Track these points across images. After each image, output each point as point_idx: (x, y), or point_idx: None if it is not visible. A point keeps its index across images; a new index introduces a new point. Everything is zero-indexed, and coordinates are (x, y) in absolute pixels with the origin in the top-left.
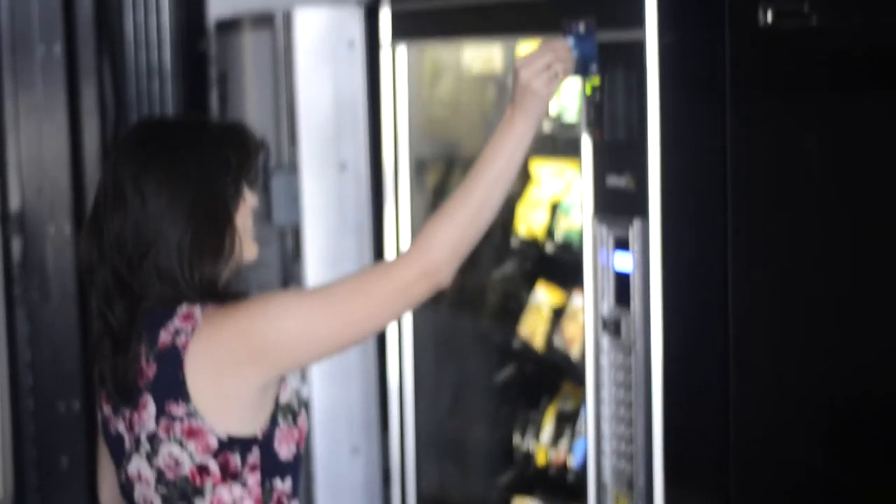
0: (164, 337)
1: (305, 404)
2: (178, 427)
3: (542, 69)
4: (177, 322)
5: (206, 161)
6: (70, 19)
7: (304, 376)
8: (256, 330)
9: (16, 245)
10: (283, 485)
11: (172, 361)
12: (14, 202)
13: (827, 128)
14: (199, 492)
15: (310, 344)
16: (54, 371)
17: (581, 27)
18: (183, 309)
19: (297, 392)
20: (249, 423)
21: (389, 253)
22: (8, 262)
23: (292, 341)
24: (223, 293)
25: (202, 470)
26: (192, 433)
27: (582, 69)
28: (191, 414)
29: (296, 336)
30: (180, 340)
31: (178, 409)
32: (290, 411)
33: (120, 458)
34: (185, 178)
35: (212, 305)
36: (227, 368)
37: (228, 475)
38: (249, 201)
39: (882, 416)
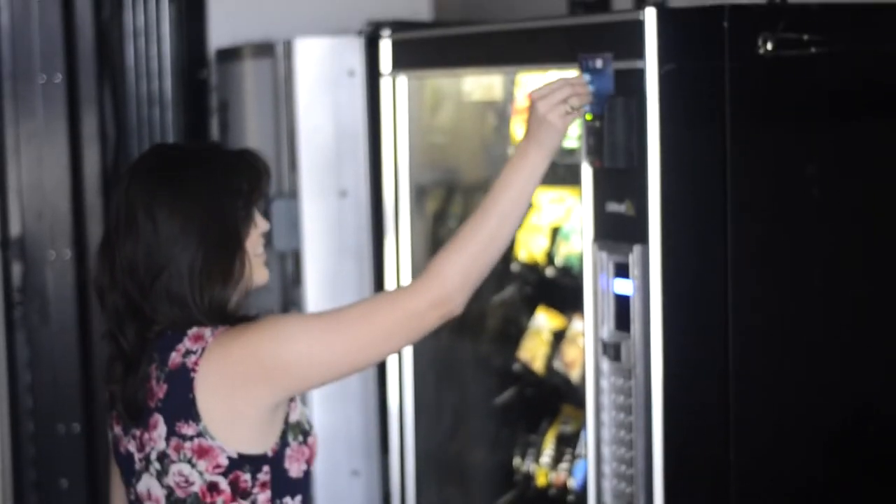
0: (175, 358)
1: (312, 425)
2: (188, 446)
3: (559, 103)
4: (187, 343)
5: (218, 187)
6: (71, 48)
7: (303, 399)
8: (266, 350)
9: (16, 269)
10: (293, 502)
11: (182, 381)
12: (15, 227)
13: (826, 155)
14: None
15: (318, 367)
16: (54, 394)
17: (598, 62)
18: (193, 330)
19: (305, 413)
20: (259, 442)
21: (389, 278)
22: (8, 287)
23: (301, 363)
24: (232, 316)
25: (212, 488)
26: (202, 452)
27: (598, 105)
28: (201, 433)
29: (305, 358)
30: (190, 361)
31: (188, 429)
32: (300, 430)
33: (129, 476)
34: (197, 204)
35: (222, 327)
36: (237, 388)
37: (238, 493)
38: (260, 226)
39: (881, 435)
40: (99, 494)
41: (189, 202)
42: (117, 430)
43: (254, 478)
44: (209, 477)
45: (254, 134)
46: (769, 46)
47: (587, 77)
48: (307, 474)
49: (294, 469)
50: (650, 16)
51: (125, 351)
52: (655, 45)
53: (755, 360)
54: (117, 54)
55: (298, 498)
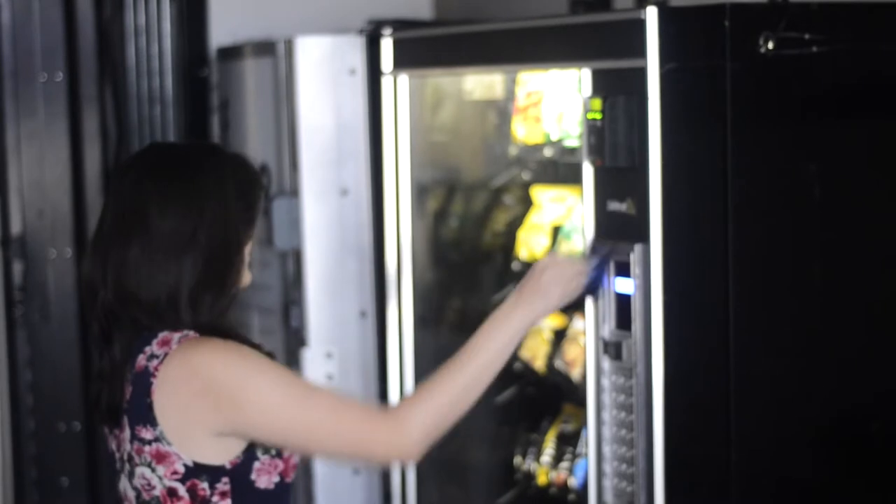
0: (141, 360)
1: None
2: (147, 450)
3: (567, 280)
4: (154, 346)
5: (224, 191)
6: (72, 47)
7: None
8: (225, 379)
9: (17, 268)
10: None
11: (143, 385)
12: (15, 226)
13: (827, 154)
14: None
15: (268, 422)
16: (55, 392)
17: (605, 252)
18: (163, 334)
19: None
20: (216, 454)
21: (391, 277)
22: (9, 285)
23: (253, 409)
24: (221, 327)
25: (172, 493)
26: (160, 457)
27: (591, 289)
28: (158, 438)
29: (258, 405)
30: (152, 365)
31: (146, 433)
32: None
33: (113, 476)
34: (203, 208)
35: (191, 333)
36: (191, 399)
37: (198, 500)
38: (252, 233)
39: (883, 433)
40: (99, 493)
41: (194, 206)
42: (105, 429)
43: (212, 486)
44: (168, 482)
45: (255, 132)
46: (770, 45)
47: (594, 262)
48: (282, 485)
49: (263, 481)
50: (651, 15)
51: (113, 350)
52: (657, 43)
53: (756, 359)
54: (118, 53)
55: None
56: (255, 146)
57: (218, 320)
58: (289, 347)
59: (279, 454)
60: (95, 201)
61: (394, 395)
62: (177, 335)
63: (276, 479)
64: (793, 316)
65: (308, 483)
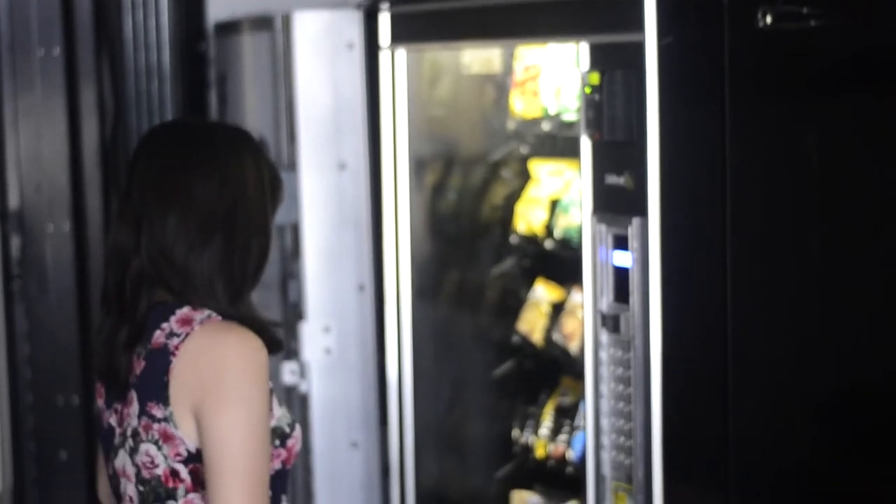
0: (159, 337)
1: (296, 421)
2: (156, 428)
3: None
4: (173, 324)
5: (258, 174)
6: (69, 21)
7: (301, 372)
8: (224, 382)
9: (15, 242)
10: None
11: (161, 362)
12: (13, 200)
13: (825, 127)
14: (172, 495)
15: (212, 441)
16: (53, 366)
17: None
18: (183, 311)
19: (287, 413)
20: None
21: (389, 250)
22: (7, 259)
23: (215, 423)
24: (240, 311)
25: (174, 474)
26: (166, 437)
27: None
28: (167, 419)
29: (220, 424)
30: (172, 343)
31: (157, 411)
32: (276, 436)
33: (109, 451)
34: (241, 188)
35: (215, 316)
36: (200, 387)
37: (199, 484)
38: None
39: (881, 408)
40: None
41: (233, 185)
42: (100, 402)
43: None
44: (172, 463)
45: (252, 107)
46: (768, 19)
47: None
48: (283, 472)
49: None
50: None
51: (136, 318)
52: (654, 17)
53: (754, 331)
54: (115, 27)
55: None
56: (253, 121)
57: (241, 302)
58: (287, 321)
59: (283, 444)
60: (93, 175)
61: (391, 365)
62: (198, 315)
63: (278, 466)
64: (790, 288)
65: (306, 457)
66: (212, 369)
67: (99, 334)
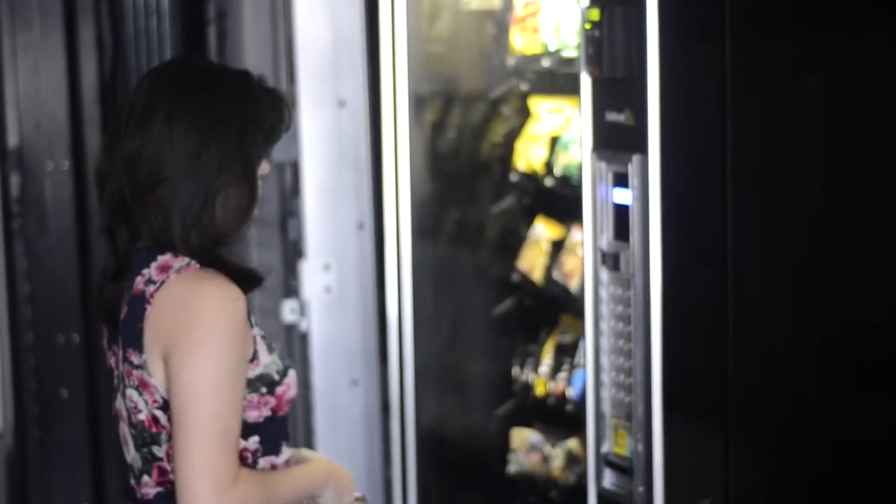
0: (139, 283)
1: (289, 367)
2: (135, 374)
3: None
4: (153, 271)
5: (247, 114)
6: None
7: (303, 310)
8: (194, 330)
9: (14, 180)
10: (245, 443)
11: (138, 309)
12: (12, 138)
13: (826, 66)
14: (156, 440)
15: (178, 388)
16: (53, 304)
17: None
18: (164, 257)
19: (278, 360)
20: None
21: (388, 189)
22: (6, 198)
23: (182, 370)
24: (217, 257)
25: (155, 420)
26: (143, 384)
27: None
28: (142, 366)
29: (188, 372)
30: (149, 291)
31: (134, 358)
32: (264, 382)
33: (110, 391)
34: (223, 124)
35: (193, 265)
36: (170, 335)
37: None
38: (264, 168)
39: (878, 345)
40: (98, 404)
41: (213, 120)
42: (104, 343)
43: None
44: (151, 409)
45: (252, 44)
46: None
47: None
48: (274, 419)
49: (252, 415)
50: None
51: (118, 248)
52: None
53: (754, 269)
54: None
55: (254, 439)
56: (252, 58)
57: (219, 248)
58: (286, 259)
59: (270, 391)
60: (92, 113)
61: (391, 303)
62: (176, 263)
63: (268, 413)
64: (790, 227)
65: (307, 394)
66: (183, 318)
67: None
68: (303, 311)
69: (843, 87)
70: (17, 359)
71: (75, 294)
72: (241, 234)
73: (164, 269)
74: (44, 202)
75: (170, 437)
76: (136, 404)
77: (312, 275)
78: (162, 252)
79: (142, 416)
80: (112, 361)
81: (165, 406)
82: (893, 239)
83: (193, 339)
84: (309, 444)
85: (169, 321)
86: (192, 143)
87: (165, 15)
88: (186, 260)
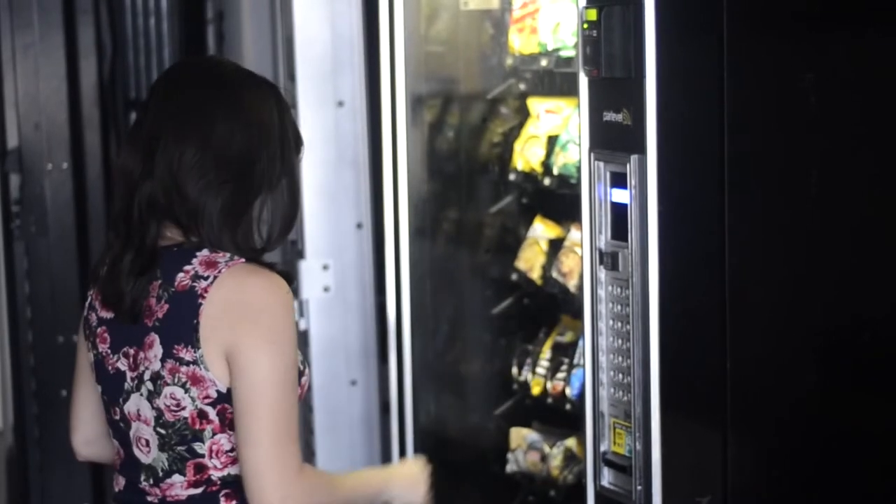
0: (182, 279)
1: (305, 362)
2: (184, 371)
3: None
4: (197, 266)
5: (279, 126)
6: None
7: (302, 310)
8: (262, 322)
9: (14, 181)
10: None
11: (188, 305)
12: (12, 139)
13: (824, 64)
14: (198, 437)
15: (244, 382)
16: (53, 304)
17: None
18: (204, 254)
19: (299, 353)
20: None
21: (387, 188)
22: (6, 198)
23: (247, 366)
24: (259, 254)
25: (202, 416)
26: (195, 380)
27: None
28: (196, 362)
29: (254, 368)
30: (200, 286)
31: (185, 354)
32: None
33: (117, 396)
34: (270, 134)
35: (240, 260)
36: (233, 327)
37: (226, 424)
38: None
39: (876, 344)
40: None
41: (256, 130)
42: (102, 348)
43: None
44: (200, 405)
45: (250, 44)
46: None
47: None
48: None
49: None
50: None
51: (145, 244)
52: None
53: (752, 268)
54: None
55: None
56: (251, 58)
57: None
58: (286, 260)
59: (298, 381)
60: (91, 114)
61: (390, 302)
62: (221, 258)
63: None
64: (788, 225)
65: (306, 395)
66: (246, 310)
67: (103, 259)
68: (302, 310)
69: (841, 86)
70: (17, 358)
71: (75, 294)
72: (285, 238)
73: (211, 264)
74: (44, 202)
75: (214, 433)
76: (179, 401)
77: (311, 275)
78: (199, 248)
79: (185, 413)
80: (122, 364)
81: (218, 401)
82: (892, 238)
83: (262, 333)
84: (308, 443)
85: (231, 315)
86: (230, 141)
87: (164, 15)
88: (228, 254)
